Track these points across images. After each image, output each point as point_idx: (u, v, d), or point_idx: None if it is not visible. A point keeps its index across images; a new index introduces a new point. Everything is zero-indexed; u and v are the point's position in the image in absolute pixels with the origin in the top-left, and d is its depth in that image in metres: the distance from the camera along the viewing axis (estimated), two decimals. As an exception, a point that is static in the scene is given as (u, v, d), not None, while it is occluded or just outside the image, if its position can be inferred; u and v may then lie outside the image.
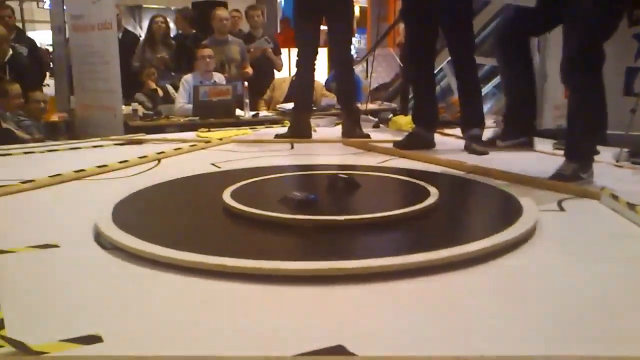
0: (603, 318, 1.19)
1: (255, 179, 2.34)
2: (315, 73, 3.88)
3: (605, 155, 2.92)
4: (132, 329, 1.14)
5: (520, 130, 2.64)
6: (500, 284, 1.38)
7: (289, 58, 7.11)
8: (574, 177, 2.36)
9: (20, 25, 6.80)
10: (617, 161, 2.89)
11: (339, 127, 4.03)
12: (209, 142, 3.61)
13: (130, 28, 7.41)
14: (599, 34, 2.33)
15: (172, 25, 6.51)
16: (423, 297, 1.30)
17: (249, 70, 5.70)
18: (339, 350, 1.03)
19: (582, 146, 2.44)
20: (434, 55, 3.56)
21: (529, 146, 2.59)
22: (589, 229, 1.86)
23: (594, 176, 2.44)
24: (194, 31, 6.12)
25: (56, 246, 1.63)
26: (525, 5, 2.33)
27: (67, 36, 5.69)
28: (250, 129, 4.45)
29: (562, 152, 2.54)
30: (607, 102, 3.69)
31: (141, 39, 6.33)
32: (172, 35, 6.25)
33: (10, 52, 4.92)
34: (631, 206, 1.89)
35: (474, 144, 3.00)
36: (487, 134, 3.27)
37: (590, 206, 2.09)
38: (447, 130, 3.87)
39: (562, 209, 2.04)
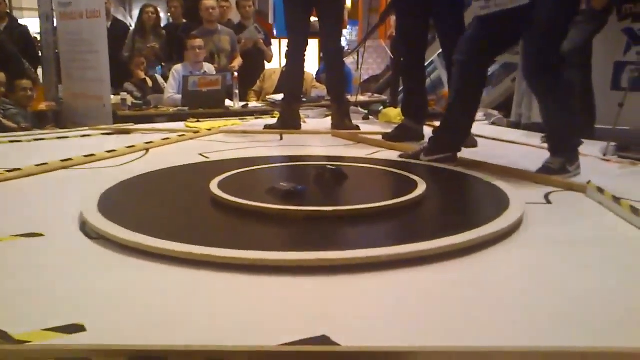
0: (589, 309, 1.20)
1: (243, 169, 2.33)
2: (306, 64, 3.87)
3: (592, 149, 2.94)
4: (116, 318, 1.13)
5: (445, 145, 2.64)
6: (487, 276, 1.38)
7: (279, 49, 7.09)
8: (561, 170, 2.38)
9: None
10: (604, 155, 2.91)
11: (329, 118, 4.02)
12: (197, 132, 3.60)
13: (120, 17, 7.35)
14: (556, 36, 2.36)
15: (162, 15, 6.46)
16: (409, 288, 1.30)
17: (235, 65, 5.66)
18: (323, 340, 1.03)
19: (563, 141, 2.46)
20: (424, 47, 3.56)
21: (451, 161, 2.59)
22: (575, 222, 1.87)
23: (581, 170, 2.45)
24: (185, 21, 6.08)
25: (41, 235, 1.62)
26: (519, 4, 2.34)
27: (54, 24, 5.64)
28: (240, 119, 4.43)
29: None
30: (594, 94, 3.73)
31: (131, 28, 6.28)
32: (162, 25, 6.21)
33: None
34: (616, 200, 1.90)
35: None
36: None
37: (576, 199, 2.10)
38: (436, 123, 3.87)
39: (548, 202, 2.06)
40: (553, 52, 2.36)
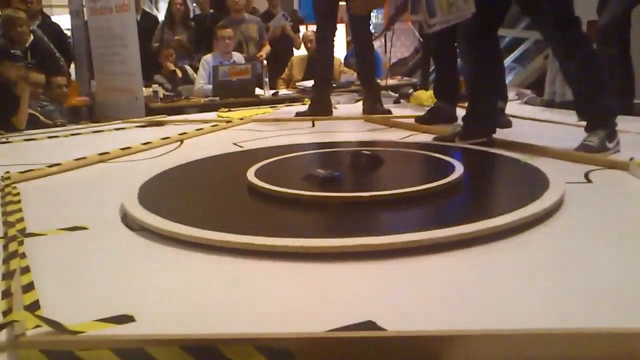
0: (632, 292, 1.17)
1: (278, 157, 2.34)
2: (334, 49, 3.85)
3: (633, 125, 2.87)
4: (162, 309, 1.15)
5: (480, 130, 2.59)
6: (528, 259, 1.37)
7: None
8: (600, 147, 2.32)
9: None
10: (645, 131, 2.83)
11: (360, 103, 4.00)
12: (230, 122, 3.62)
13: (146, 9, 7.41)
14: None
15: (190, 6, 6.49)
16: (450, 272, 1.30)
17: (263, 53, 5.66)
18: (370, 325, 1.03)
19: (595, 110, 2.40)
20: (454, 28, 3.50)
21: (487, 145, 2.53)
22: (617, 201, 1.83)
23: (622, 147, 2.40)
24: (212, 11, 6.11)
25: (85, 228, 1.65)
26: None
27: (85, 19, 5.71)
28: (271, 107, 4.45)
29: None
30: (633, 68, 3.62)
31: (160, 20, 6.33)
32: (191, 17, 6.24)
33: (32, 37, 4.95)
34: (661, 176, 1.86)
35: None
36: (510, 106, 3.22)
37: (618, 177, 2.06)
38: (469, 104, 3.82)
39: (589, 181, 2.01)
40: (564, 10, 2.33)
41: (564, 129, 3.10)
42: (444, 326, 0.95)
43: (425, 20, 2.48)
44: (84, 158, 2.53)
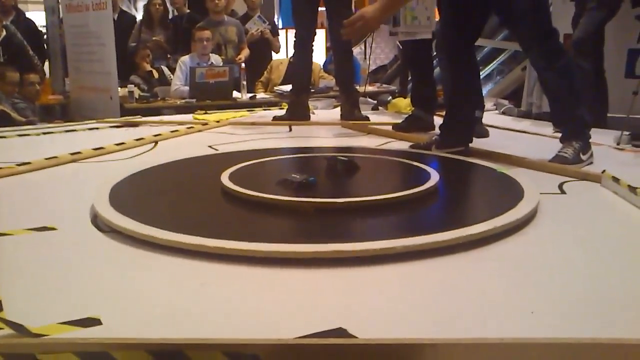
0: (605, 301, 1.18)
1: (253, 161, 2.32)
2: (313, 55, 3.84)
3: (606, 138, 2.91)
4: (130, 312, 1.12)
5: (457, 139, 2.61)
6: (502, 268, 1.37)
7: (286, 40, 7.05)
8: (574, 159, 2.36)
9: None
10: (618, 144, 2.87)
11: (338, 109, 4.00)
12: (206, 124, 3.59)
13: (124, 8, 7.34)
14: (543, 10, 2.38)
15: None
16: (424, 280, 1.29)
17: (242, 56, 5.64)
18: (340, 332, 1.02)
19: (570, 122, 2.44)
20: (432, 37, 3.53)
21: (463, 154, 2.55)
22: (590, 212, 1.85)
23: (595, 159, 2.43)
24: (188, 11, 6.07)
25: (53, 229, 1.62)
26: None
27: (60, 17, 5.63)
28: (248, 111, 4.42)
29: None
30: (607, 83, 3.69)
31: (138, 20, 6.27)
32: (170, 18, 6.20)
33: (4, 32, 4.86)
34: (632, 189, 1.88)
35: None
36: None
37: (591, 189, 2.08)
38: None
39: (563, 192, 2.03)
40: (543, 22, 2.37)
41: (539, 140, 3.13)
42: (414, 334, 0.95)
43: (389, 27, 2.52)
44: (55, 157, 2.47)
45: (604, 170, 2.12)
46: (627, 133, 2.91)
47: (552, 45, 2.38)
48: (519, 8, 2.34)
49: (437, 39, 2.56)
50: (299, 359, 0.91)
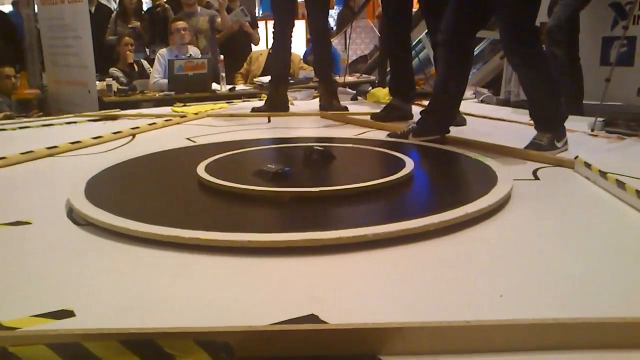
0: (575, 285, 1.20)
1: (230, 152, 2.32)
2: (292, 45, 3.84)
3: (580, 125, 2.95)
4: (104, 303, 1.13)
5: (434, 127, 2.63)
6: (475, 253, 1.39)
7: (266, 31, 7.03)
8: (549, 146, 2.39)
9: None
10: (592, 130, 2.91)
11: (317, 100, 4.00)
12: (184, 116, 3.58)
13: (103, 1, 7.26)
14: (527, 8, 2.37)
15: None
16: (397, 266, 1.31)
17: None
18: (312, 319, 1.03)
19: (547, 116, 2.47)
20: (410, 27, 3.54)
21: (440, 142, 2.58)
22: (562, 197, 1.88)
23: (570, 145, 2.46)
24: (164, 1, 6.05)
25: (28, 223, 1.61)
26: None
27: (35, 10, 5.55)
28: (227, 102, 4.41)
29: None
30: (582, 71, 3.72)
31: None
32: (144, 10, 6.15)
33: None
34: (603, 174, 1.91)
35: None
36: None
37: (564, 174, 2.11)
38: (425, 102, 3.86)
39: (536, 178, 2.06)
40: (527, 23, 2.37)
41: (516, 127, 3.16)
42: (384, 319, 0.96)
43: None
44: (31, 152, 2.46)
45: (577, 157, 2.16)
46: (601, 119, 2.95)
47: (531, 47, 2.39)
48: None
49: (447, 27, 2.53)
50: (270, 345, 0.92)
